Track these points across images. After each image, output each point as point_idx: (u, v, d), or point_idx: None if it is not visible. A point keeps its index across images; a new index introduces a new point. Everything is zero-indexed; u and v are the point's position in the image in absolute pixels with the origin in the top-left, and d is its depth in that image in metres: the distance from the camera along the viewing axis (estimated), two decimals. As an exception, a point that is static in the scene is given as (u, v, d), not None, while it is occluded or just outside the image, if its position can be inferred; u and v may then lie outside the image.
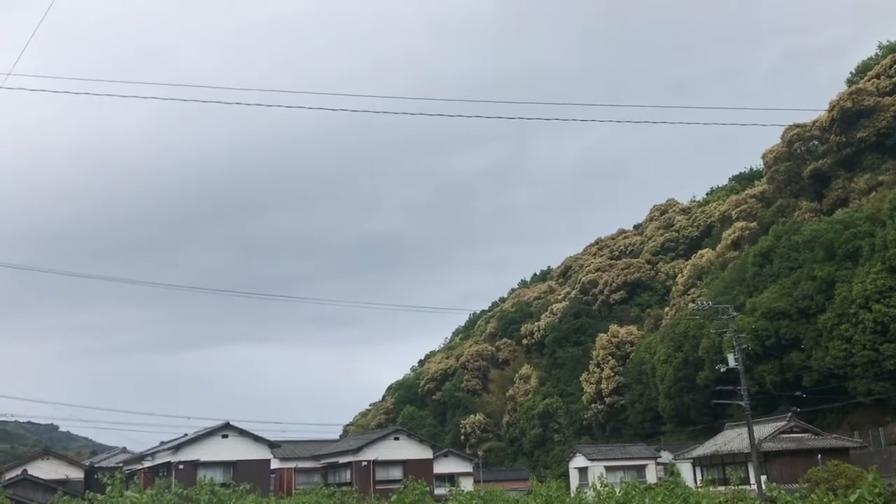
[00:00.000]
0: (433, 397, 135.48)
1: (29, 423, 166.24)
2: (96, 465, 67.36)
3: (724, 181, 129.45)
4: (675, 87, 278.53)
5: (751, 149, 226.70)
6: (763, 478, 44.46)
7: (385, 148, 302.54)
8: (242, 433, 52.63)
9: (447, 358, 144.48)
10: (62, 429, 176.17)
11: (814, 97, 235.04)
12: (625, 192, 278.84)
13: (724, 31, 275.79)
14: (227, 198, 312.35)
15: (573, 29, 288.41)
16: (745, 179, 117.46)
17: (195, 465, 48.35)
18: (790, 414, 53.93)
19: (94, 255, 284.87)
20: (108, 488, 17.70)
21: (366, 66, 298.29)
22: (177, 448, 50.91)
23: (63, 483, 52.45)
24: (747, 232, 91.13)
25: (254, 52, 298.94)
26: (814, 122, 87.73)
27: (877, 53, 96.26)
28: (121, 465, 55.90)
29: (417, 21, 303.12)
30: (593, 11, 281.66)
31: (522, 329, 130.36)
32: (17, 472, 53.36)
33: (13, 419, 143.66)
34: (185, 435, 56.12)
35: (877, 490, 9.02)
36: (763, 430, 51.84)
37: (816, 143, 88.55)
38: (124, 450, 77.85)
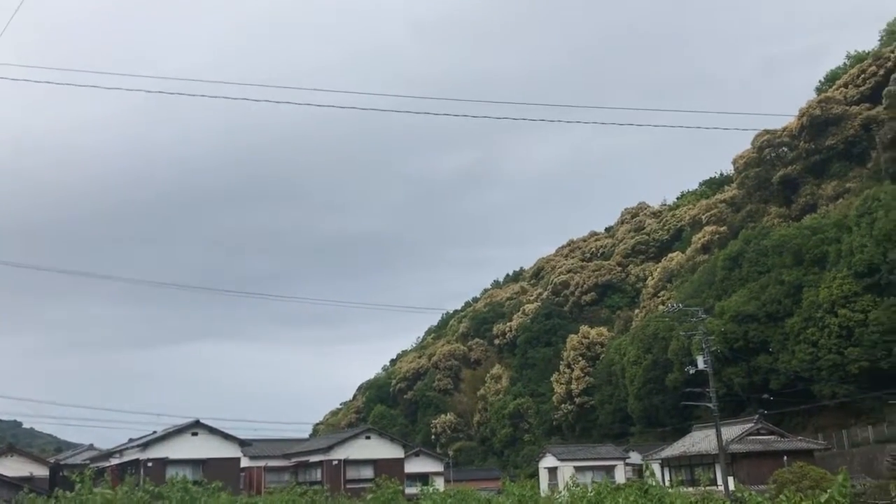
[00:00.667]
0: (405, 396, 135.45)
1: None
2: (62, 463, 66.43)
3: (694, 186, 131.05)
4: (652, 92, 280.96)
5: (721, 154, 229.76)
6: (731, 479, 45.09)
7: (363, 146, 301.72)
8: (212, 431, 52.26)
9: (419, 357, 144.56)
10: (26, 425, 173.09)
11: (790, 104, 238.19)
12: (597, 194, 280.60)
13: (703, 37, 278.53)
14: (201, 194, 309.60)
15: (554, 31, 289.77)
16: (715, 184, 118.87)
17: (164, 462, 47.93)
18: (757, 416, 54.74)
19: (63, 249, 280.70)
20: (77, 486, 17.49)
21: (343, 62, 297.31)
22: (146, 446, 50.43)
23: (28, 480, 51.69)
24: (717, 236, 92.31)
25: (235, 48, 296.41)
26: (784, 129, 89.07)
27: (845, 63, 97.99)
28: (88, 462, 55.26)
29: (398, 19, 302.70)
30: (574, 15, 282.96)
31: (494, 329, 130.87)
32: (-19, 469, 52.47)
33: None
34: (155, 432, 55.60)
35: (844, 491, 9.24)
36: (731, 431, 52.55)
37: (786, 149, 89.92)
38: (91, 447, 76.89)
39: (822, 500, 8.32)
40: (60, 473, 57.55)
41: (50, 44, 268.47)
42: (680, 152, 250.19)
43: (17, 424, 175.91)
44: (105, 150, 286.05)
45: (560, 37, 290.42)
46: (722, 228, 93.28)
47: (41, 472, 61.57)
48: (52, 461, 68.79)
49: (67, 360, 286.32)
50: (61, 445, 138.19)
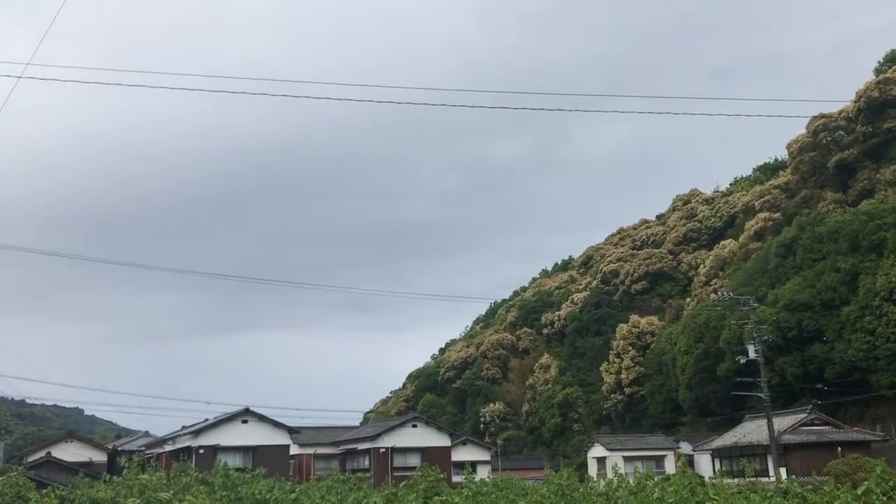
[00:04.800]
0: (453, 385, 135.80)
1: (55, 406, 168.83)
2: (119, 449, 68.29)
3: (748, 171, 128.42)
4: (716, 74, 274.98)
5: (776, 139, 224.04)
6: (783, 470, 44.21)
7: (418, 135, 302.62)
8: (262, 419, 53.05)
9: (467, 346, 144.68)
10: (87, 412, 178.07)
11: (854, 86, 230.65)
12: (648, 181, 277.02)
13: (770, 16, 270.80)
14: (257, 184, 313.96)
15: (618, 13, 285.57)
16: (769, 170, 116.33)
17: (215, 449, 48.81)
18: (811, 406, 53.50)
19: (124, 241, 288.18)
20: (125, 471, 18.15)
21: (405, 53, 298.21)
22: (197, 433, 51.45)
23: (87, 465, 53.20)
24: (771, 223, 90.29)
25: (292, 37, 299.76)
26: (840, 112, 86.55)
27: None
28: (142, 448, 56.75)
29: (459, 8, 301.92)
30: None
31: (543, 318, 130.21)
32: (42, 454, 54.18)
33: (39, 402, 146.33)
34: (206, 420, 56.70)
35: (891, 483, 8.92)
36: (783, 422, 51.48)
37: (842, 133, 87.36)
38: (146, 434, 78.90)
39: (860, 492, 8.07)
40: (117, 459, 59.15)
41: (97, 43, 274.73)
42: (734, 137, 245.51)
43: (80, 412, 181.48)
44: (163, 143, 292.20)
45: (624, 18, 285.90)
46: (776, 215, 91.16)
47: (100, 457, 63.42)
48: (110, 447, 70.80)
49: (128, 350, 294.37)
50: (121, 432, 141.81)
